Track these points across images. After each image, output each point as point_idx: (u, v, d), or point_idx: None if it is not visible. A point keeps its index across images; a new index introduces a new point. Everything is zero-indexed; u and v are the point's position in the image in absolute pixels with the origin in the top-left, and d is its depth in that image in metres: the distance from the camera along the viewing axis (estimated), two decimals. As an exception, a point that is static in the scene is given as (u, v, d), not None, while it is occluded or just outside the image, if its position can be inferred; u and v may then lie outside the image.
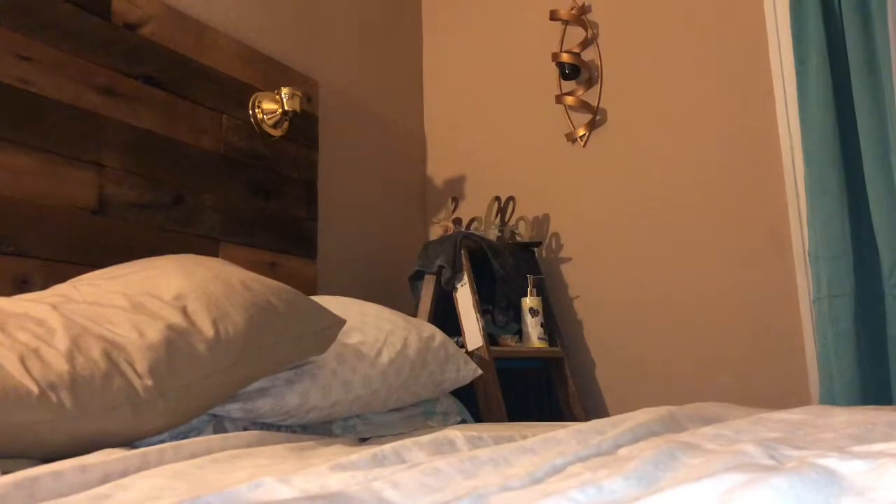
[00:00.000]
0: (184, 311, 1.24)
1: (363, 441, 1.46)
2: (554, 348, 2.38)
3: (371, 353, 1.60)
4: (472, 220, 2.57)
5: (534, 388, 2.47)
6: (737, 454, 0.70)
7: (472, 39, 2.97)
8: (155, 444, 1.08)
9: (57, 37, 1.67)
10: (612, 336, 2.50)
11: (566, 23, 2.70)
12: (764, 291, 2.25)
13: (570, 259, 2.63)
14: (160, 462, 0.95)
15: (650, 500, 0.52)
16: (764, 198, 2.28)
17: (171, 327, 1.20)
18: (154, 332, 1.17)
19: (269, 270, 2.11)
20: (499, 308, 2.41)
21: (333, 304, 1.66)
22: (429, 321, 2.15)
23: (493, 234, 2.50)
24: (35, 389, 0.99)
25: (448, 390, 1.83)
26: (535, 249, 2.58)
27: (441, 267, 2.29)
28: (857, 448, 0.72)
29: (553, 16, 2.68)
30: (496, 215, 2.56)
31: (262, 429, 1.35)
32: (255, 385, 1.36)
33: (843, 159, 2.06)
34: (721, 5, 2.42)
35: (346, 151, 2.57)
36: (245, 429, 1.34)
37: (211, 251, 1.96)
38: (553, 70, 2.70)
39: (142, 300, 1.25)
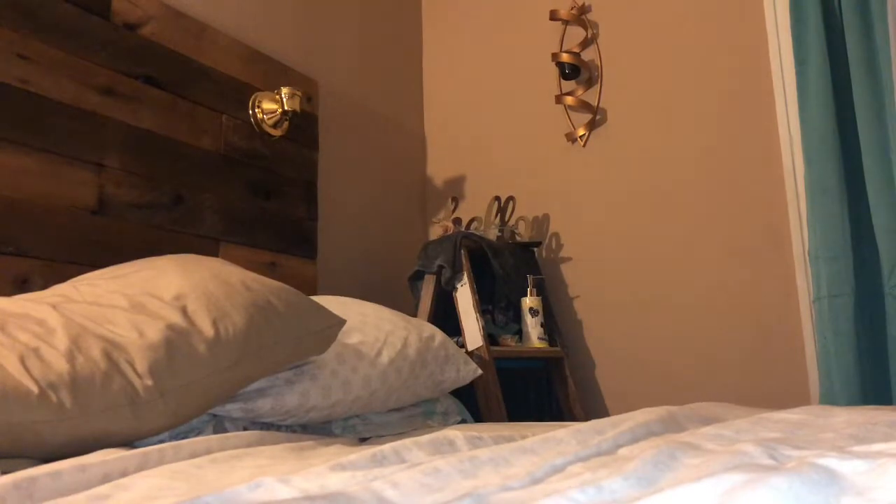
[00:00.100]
0: (184, 311, 1.24)
1: (363, 441, 1.46)
2: (554, 348, 2.38)
3: (371, 353, 1.60)
4: (472, 220, 2.57)
5: (534, 388, 2.47)
6: (737, 454, 0.70)
7: (472, 39, 2.97)
8: (155, 444, 1.08)
9: (57, 37, 1.67)
10: (612, 336, 2.50)
11: (566, 23, 2.70)
12: (764, 291, 2.25)
13: (570, 259, 2.63)
14: (160, 462, 0.95)
15: (650, 500, 0.52)
16: (764, 197, 2.28)
17: (171, 327, 1.20)
18: (154, 332, 1.17)
19: (269, 270, 2.11)
20: (499, 308, 2.41)
21: (333, 304, 1.66)
22: (429, 321, 2.15)
23: (492, 234, 2.50)
24: (35, 389, 0.99)
25: (448, 390, 1.83)
26: (535, 249, 2.58)
27: (441, 267, 2.29)
28: (857, 448, 0.72)
29: (553, 16, 2.68)
30: (496, 215, 2.56)
31: (262, 429, 1.35)
32: (255, 385, 1.36)
33: (843, 159, 2.06)
34: (721, 5, 2.42)
35: (346, 151, 2.57)
36: (245, 429, 1.34)
37: (211, 251, 1.96)
38: (553, 70, 2.70)
39: (142, 300, 1.25)
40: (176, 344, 1.18)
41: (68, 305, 1.20)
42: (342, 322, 1.49)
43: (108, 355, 1.10)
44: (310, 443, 1.19)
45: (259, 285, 1.41)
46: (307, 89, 2.34)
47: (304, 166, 2.32)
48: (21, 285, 1.53)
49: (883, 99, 2.01)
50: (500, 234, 2.52)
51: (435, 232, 2.69)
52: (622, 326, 2.47)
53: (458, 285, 2.29)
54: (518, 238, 2.58)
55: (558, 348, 2.40)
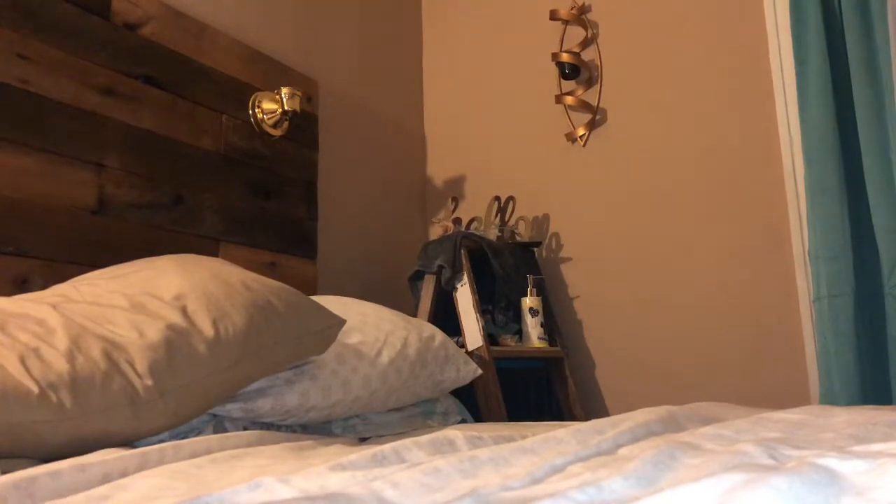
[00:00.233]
0: (184, 311, 1.24)
1: (363, 441, 1.46)
2: (554, 348, 2.38)
3: (371, 353, 1.60)
4: (472, 220, 2.57)
5: (534, 388, 2.47)
6: (737, 454, 0.70)
7: (472, 39, 2.97)
8: (155, 444, 1.08)
9: (57, 37, 1.67)
10: (612, 336, 2.50)
11: (566, 23, 2.70)
12: (764, 291, 2.25)
13: (570, 259, 2.63)
14: (160, 462, 0.95)
15: (650, 500, 0.52)
16: (764, 197, 2.28)
17: (171, 327, 1.20)
18: (154, 332, 1.17)
19: (269, 270, 2.11)
20: (499, 308, 2.41)
21: (333, 304, 1.66)
22: (429, 321, 2.15)
23: (492, 234, 2.50)
24: (35, 389, 0.99)
25: (448, 390, 1.83)
26: (535, 249, 2.58)
27: (441, 267, 2.29)
28: (856, 448, 0.72)
29: (553, 16, 2.68)
30: (496, 215, 2.56)
31: (261, 429, 1.35)
32: (255, 385, 1.36)
33: (842, 159, 2.06)
34: (721, 5, 2.42)
35: (346, 151, 2.57)
36: (245, 429, 1.34)
37: (211, 251, 1.96)
38: (553, 70, 2.70)
39: (142, 300, 1.25)
40: (176, 344, 1.18)
41: (68, 305, 1.20)
42: (342, 322, 1.49)
43: (108, 355, 1.10)
44: (310, 443, 1.19)
45: (259, 285, 1.41)
46: (307, 89, 2.34)
47: (304, 166, 2.32)
48: (21, 285, 1.53)
49: (883, 99, 2.01)
50: (500, 234, 2.52)
51: (435, 232, 2.69)
52: (622, 326, 2.47)
53: (458, 285, 2.29)
54: (518, 238, 2.58)
55: (558, 348, 2.40)
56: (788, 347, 2.19)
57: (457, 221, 2.55)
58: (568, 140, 2.67)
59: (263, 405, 1.35)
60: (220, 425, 1.33)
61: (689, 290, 2.37)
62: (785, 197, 2.24)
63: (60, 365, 1.04)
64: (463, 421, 1.87)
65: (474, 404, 2.11)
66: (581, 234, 2.61)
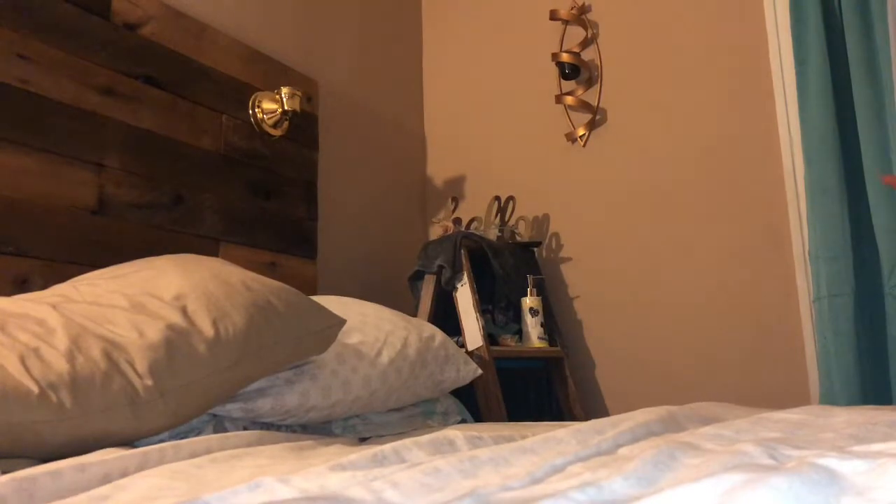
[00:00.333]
0: (184, 311, 1.24)
1: (363, 441, 1.46)
2: (554, 348, 2.38)
3: (371, 353, 1.60)
4: (472, 220, 2.57)
5: (534, 388, 2.47)
6: (736, 454, 0.70)
7: (472, 39, 2.97)
8: (155, 444, 1.08)
9: (57, 37, 1.67)
10: (612, 336, 2.50)
11: (566, 23, 2.70)
12: (764, 291, 2.25)
13: (570, 259, 2.63)
14: (160, 462, 0.95)
15: (650, 500, 0.52)
16: (764, 197, 2.28)
17: (171, 327, 1.20)
18: (154, 332, 1.17)
19: (269, 270, 2.11)
20: (499, 308, 2.41)
21: (333, 304, 1.66)
22: (429, 321, 2.15)
23: (493, 234, 2.50)
24: (35, 389, 0.99)
25: (448, 390, 1.83)
26: (535, 249, 2.58)
27: (441, 267, 2.29)
28: (856, 448, 0.72)
29: (553, 16, 2.68)
30: (496, 215, 2.56)
31: (261, 428, 1.35)
32: (255, 385, 1.36)
33: (842, 159, 2.06)
34: (721, 5, 2.42)
35: (346, 151, 2.57)
36: (245, 428, 1.34)
37: (211, 251, 1.96)
38: (553, 70, 2.70)
39: (142, 300, 1.25)
40: (176, 344, 1.18)
41: (68, 305, 1.20)
42: (342, 322, 1.49)
43: (108, 355, 1.10)
44: (310, 443, 1.19)
45: (259, 285, 1.41)
46: (307, 89, 2.34)
47: (304, 166, 2.32)
48: (21, 285, 1.53)
49: (883, 99, 2.01)
50: (500, 234, 2.52)
51: (435, 232, 2.69)
52: (622, 326, 2.47)
53: (458, 285, 2.29)
54: (518, 238, 2.58)
55: (558, 348, 2.40)
56: (788, 347, 2.19)
57: (457, 221, 2.55)
58: (568, 140, 2.67)
59: (263, 405, 1.35)
60: (220, 425, 1.33)
61: (689, 290, 2.37)
62: (785, 197, 2.24)
63: (60, 365, 1.04)
64: (463, 421, 1.87)
65: (474, 404, 2.10)
66: (581, 234, 2.61)
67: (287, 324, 1.37)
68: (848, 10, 2.09)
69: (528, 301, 2.34)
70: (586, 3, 2.68)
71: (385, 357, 1.61)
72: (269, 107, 2.17)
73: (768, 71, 2.30)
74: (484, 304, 2.34)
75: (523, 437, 1.00)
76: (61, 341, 1.08)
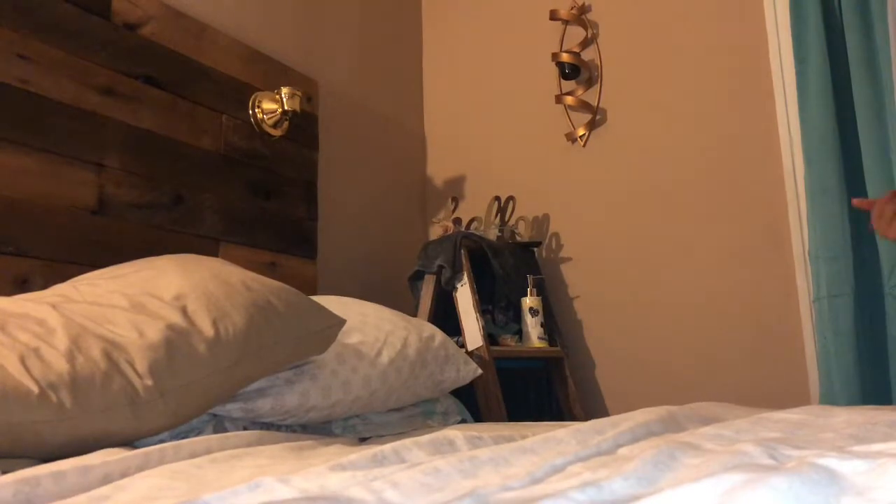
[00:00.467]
0: (184, 311, 1.24)
1: (363, 441, 1.46)
2: (554, 348, 2.38)
3: (371, 353, 1.60)
4: (472, 220, 2.57)
5: (534, 388, 2.47)
6: (736, 454, 0.70)
7: (472, 39, 2.97)
8: (155, 444, 1.08)
9: (57, 37, 1.67)
10: (612, 336, 2.50)
11: (566, 23, 2.70)
12: (764, 291, 2.25)
13: (570, 259, 2.63)
14: (160, 462, 0.95)
15: (650, 500, 0.52)
16: (764, 197, 2.28)
17: (171, 327, 1.20)
18: (154, 332, 1.17)
19: (269, 270, 2.11)
20: (499, 308, 2.41)
21: (333, 304, 1.66)
22: (429, 321, 2.15)
23: (492, 234, 2.50)
24: (35, 389, 0.99)
25: (448, 390, 1.83)
26: (535, 249, 2.58)
27: (441, 267, 2.29)
28: (856, 448, 0.72)
29: (553, 16, 2.68)
30: (496, 215, 2.56)
31: (261, 428, 1.35)
32: (255, 385, 1.36)
33: (843, 159, 2.06)
34: (721, 5, 2.42)
35: (346, 151, 2.57)
36: (245, 428, 1.34)
37: (211, 251, 1.96)
38: (553, 70, 2.70)
39: (142, 300, 1.25)
40: (176, 344, 1.18)
41: (68, 305, 1.20)
42: (342, 322, 1.49)
43: (108, 355, 1.10)
44: (310, 443, 1.19)
45: (259, 285, 1.41)
46: (307, 89, 2.34)
47: (304, 166, 2.32)
48: (21, 285, 1.53)
49: (883, 99, 2.01)
50: (500, 234, 2.52)
51: (435, 232, 2.69)
52: (622, 326, 2.47)
53: (458, 285, 2.29)
54: (518, 238, 2.58)
55: (558, 348, 2.40)
56: (788, 347, 2.19)
57: (457, 221, 2.55)
58: (568, 140, 2.67)
59: (263, 405, 1.35)
60: (220, 425, 1.33)
61: (689, 290, 2.37)
62: (785, 197, 2.24)
63: (60, 365, 1.04)
64: (463, 421, 1.87)
65: (474, 404, 2.10)
66: (581, 234, 2.61)
67: (287, 324, 1.37)
68: (848, 10, 2.09)
69: (528, 301, 2.34)
70: (586, 3, 2.68)
71: (385, 357, 1.61)
72: (269, 107, 2.17)
73: (768, 71, 2.30)
74: (484, 304, 2.34)
75: (523, 437, 1.00)
76: (61, 341, 1.08)
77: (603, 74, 2.63)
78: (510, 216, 2.60)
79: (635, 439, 0.92)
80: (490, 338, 2.26)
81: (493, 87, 2.88)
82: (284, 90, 2.14)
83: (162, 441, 1.15)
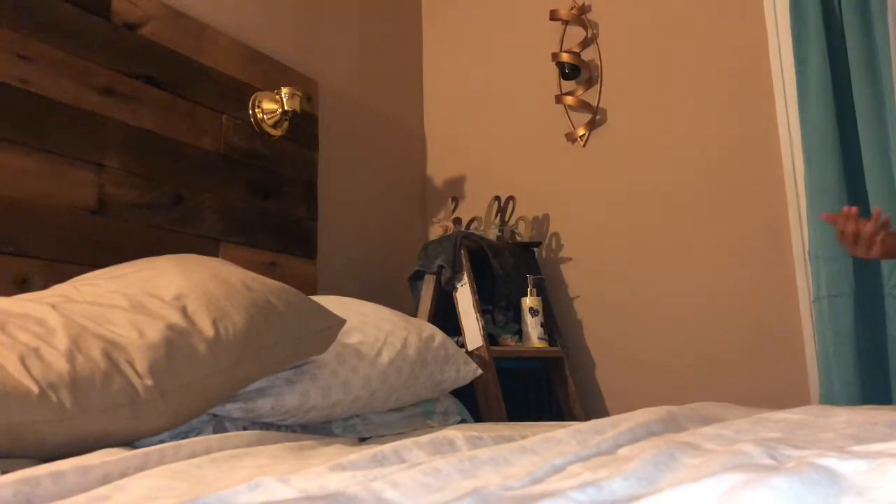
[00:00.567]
0: (184, 311, 1.24)
1: (363, 441, 1.46)
2: (554, 348, 2.38)
3: (371, 353, 1.60)
4: (472, 220, 2.57)
5: (534, 388, 2.47)
6: (736, 454, 0.70)
7: (472, 39, 2.97)
8: (155, 444, 1.08)
9: (57, 37, 1.67)
10: (612, 336, 2.50)
11: (566, 23, 2.70)
12: (764, 291, 2.25)
13: (570, 259, 2.63)
14: (160, 462, 0.95)
15: (650, 500, 0.52)
16: (764, 197, 2.28)
17: (171, 327, 1.20)
18: (154, 332, 1.17)
19: (269, 270, 2.11)
20: (499, 308, 2.41)
21: (333, 304, 1.66)
22: (429, 321, 2.15)
23: (492, 234, 2.50)
24: (35, 389, 0.99)
25: (448, 390, 1.83)
26: (535, 249, 2.58)
27: (441, 267, 2.29)
28: (856, 448, 0.72)
29: (553, 16, 2.68)
30: (496, 215, 2.56)
31: (261, 428, 1.35)
32: (255, 385, 1.36)
33: (843, 159, 2.06)
34: (721, 5, 2.42)
35: (346, 151, 2.57)
36: (245, 429, 1.34)
37: (211, 251, 1.96)
38: (553, 70, 2.70)
39: (142, 300, 1.25)
40: (176, 344, 1.18)
41: (68, 305, 1.20)
42: (342, 322, 1.49)
43: (108, 355, 1.10)
44: (310, 443, 1.19)
45: (259, 285, 1.41)
46: (307, 89, 2.34)
47: (304, 166, 2.32)
48: (21, 285, 1.53)
49: (883, 99, 2.01)
50: (500, 234, 2.52)
51: (435, 232, 2.69)
52: (622, 326, 2.47)
53: (458, 285, 2.29)
54: (518, 238, 2.58)
55: (558, 348, 2.40)
56: (788, 347, 2.19)
57: (457, 221, 2.55)
58: (568, 140, 2.67)
59: (263, 405, 1.35)
60: (220, 425, 1.33)
61: (689, 290, 2.37)
62: (785, 197, 2.24)
63: (60, 365, 1.04)
64: (463, 421, 1.87)
65: (474, 404, 2.10)
66: (581, 234, 2.61)
67: (287, 324, 1.37)
68: (848, 10, 2.09)
69: (528, 301, 2.34)
70: (586, 3, 2.68)
71: (385, 357, 1.61)
72: (269, 107, 2.17)
73: (768, 71, 2.30)
74: (484, 304, 2.34)
75: (523, 437, 1.00)
76: (61, 341, 1.08)
77: (603, 74, 2.63)
78: (510, 216, 2.59)
79: (635, 439, 0.92)
80: (490, 338, 2.25)
81: (493, 87, 2.88)
82: (284, 90, 2.14)
83: (162, 441, 1.15)
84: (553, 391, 2.43)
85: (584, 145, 2.64)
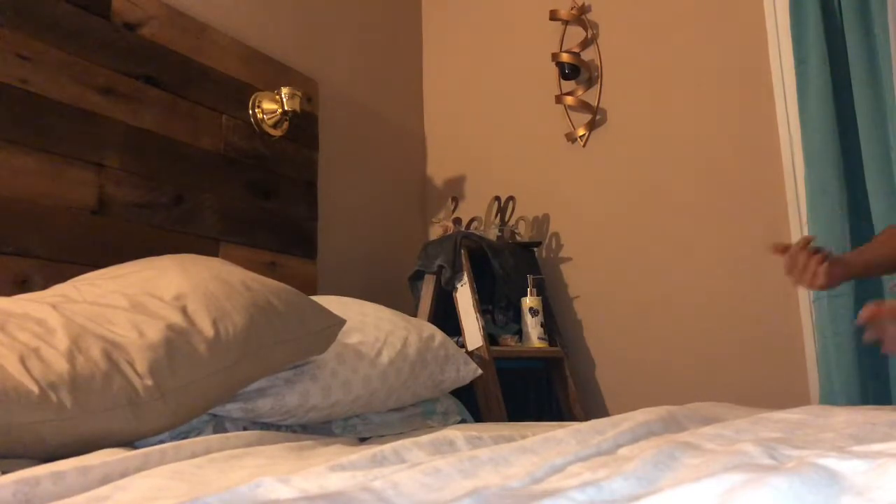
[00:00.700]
0: (184, 311, 1.24)
1: (363, 441, 1.46)
2: (554, 348, 2.38)
3: (371, 353, 1.60)
4: (471, 220, 2.57)
5: (534, 388, 2.47)
6: (737, 454, 0.70)
7: (472, 39, 2.97)
8: (155, 444, 1.08)
9: (57, 37, 1.67)
10: (612, 336, 2.49)
11: (566, 23, 2.70)
12: (764, 291, 2.24)
13: (570, 259, 2.63)
14: (160, 462, 0.95)
15: (650, 500, 0.52)
16: (764, 197, 2.28)
17: (171, 327, 1.20)
18: (154, 332, 1.17)
19: (269, 270, 2.11)
20: (499, 308, 2.41)
21: (333, 304, 1.66)
22: (429, 321, 2.15)
23: (492, 234, 2.50)
24: (35, 389, 0.99)
25: (448, 390, 1.83)
26: (535, 249, 2.58)
27: (441, 267, 2.29)
28: (856, 448, 0.72)
29: (553, 16, 2.68)
30: (496, 215, 2.56)
31: (262, 429, 1.35)
32: (255, 385, 1.36)
33: (843, 159, 2.06)
34: (721, 5, 2.42)
35: (346, 151, 2.57)
36: (245, 429, 1.34)
37: (211, 251, 1.96)
38: (553, 70, 2.70)
39: (142, 300, 1.25)
40: (176, 344, 1.18)
41: (68, 305, 1.20)
42: (342, 322, 1.49)
43: (108, 355, 1.10)
44: (310, 443, 1.19)
45: (259, 285, 1.41)
46: (307, 89, 2.34)
47: (304, 166, 2.32)
48: (21, 285, 1.53)
49: (883, 99, 2.01)
50: (500, 234, 2.52)
51: (435, 232, 2.69)
52: (622, 326, 2.47)
53: (458, 285, 2.29)
54: (518, 238, 2.58)
55: (558, 348, 2.40)
56: (788, 347, 2.18)
57: (457, 221, 2.55)
58: (568, 140, 2.67)
59: (263, 405, 1.35)
60: (220, 425, 1.33)
61: (689, 290, 2.37)
62: (785, 197, 2.24)
63: (60, 365, 1.04)
64: (463, 421, 1.87)
65: (474, 404, 2.10)
66: (581, 234, 2.61)
67: (287, 324, 1.37)
68: (848, 10, 2.09)
69: (528, 301, 2.34)
70: (586, 3, 2.68)
71: (385, 357, 1.61)
72: (269, 107, 2.17)
73: (768, 71, 2.30)
74: (484, 304, 2.34)
75: (523, 437, 1.00)
76: (61, 341, 1.08)
77: (603, 74, 2.63)
78: (510, 216, 2.59)
79: (635, 439, 0.92)
80: (490, 338, 2.25)
81: (492, 87, 2.88)
82: (284, 90, 2.14)
83: (162, 441, 1.15)
84: (553, 391, 2.43)
85: (584, 145, 2.64)
